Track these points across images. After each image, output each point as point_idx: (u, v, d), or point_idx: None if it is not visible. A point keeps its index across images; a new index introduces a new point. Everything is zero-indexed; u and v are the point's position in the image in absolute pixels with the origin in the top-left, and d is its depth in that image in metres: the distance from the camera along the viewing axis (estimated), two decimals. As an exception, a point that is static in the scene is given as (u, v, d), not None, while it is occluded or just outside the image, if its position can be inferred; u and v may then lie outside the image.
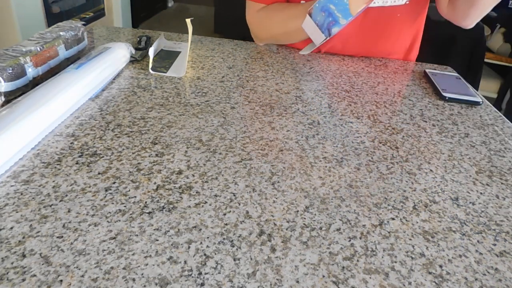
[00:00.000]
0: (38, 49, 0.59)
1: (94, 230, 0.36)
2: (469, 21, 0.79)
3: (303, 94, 0.68)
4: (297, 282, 0.33)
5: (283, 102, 0.64)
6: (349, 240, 0.38)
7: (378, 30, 0.85)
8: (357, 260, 0.36)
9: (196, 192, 0.42)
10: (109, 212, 0.39)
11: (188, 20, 0.71)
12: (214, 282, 0.33)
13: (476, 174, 0.51)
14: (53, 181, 0.42)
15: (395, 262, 0.36)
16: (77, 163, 0.45)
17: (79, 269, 0.33)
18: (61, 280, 0.31)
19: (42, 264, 0.33)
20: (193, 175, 0.45)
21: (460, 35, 1.85)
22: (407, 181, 0.48)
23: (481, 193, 0.47)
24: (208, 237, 0.37)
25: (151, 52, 0.73)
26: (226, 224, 0.39)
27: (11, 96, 0.54)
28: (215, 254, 0.35)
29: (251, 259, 0.35)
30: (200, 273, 0.33)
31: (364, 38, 0.86)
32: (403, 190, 0.46)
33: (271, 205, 0.42)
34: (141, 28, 3.53)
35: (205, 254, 0.35)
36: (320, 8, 0.67)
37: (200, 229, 0.38)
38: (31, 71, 0.57)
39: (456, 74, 0.82)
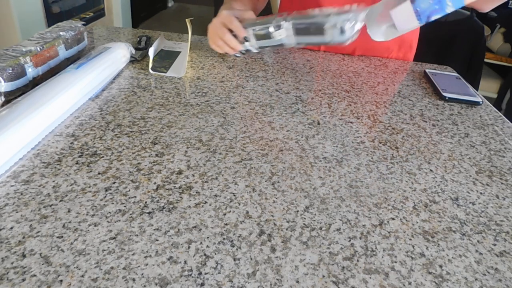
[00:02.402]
0: (38, 49, 0.59)
1: (94, 230, 0.36)
2: (490, 5, 0.78)
3: (303, 94, 0.68)
4: (297, 282, 0.33)
5: (283, 102, 0.64)
6: (349, 240, 0.38)
7: None
8: (357, 260, 0.36)
9: (196, 192, 0.42)
10: (109, 212, 0.39)
11: (188, 20, 0.71)
12: (214, 282, 0.33)
13: (476, 174, 0.51)
14: (53, 181, 0.42)
15: (395, 262, 0.36)
16: (77, 163, 0.45)
17: (79, 269, 0.33)
18: (61, 280, 0.31)
19: (42, 264, 0.33)
20: (193, 175, 0.45)
21: (460, 35, 1.85)
22: (407, 181, 0.48)
23: (481, 193, 0.47)
24: (208, 237, 0.37)
25: (151, 52, 0.73)
26: (226, 224, 0.39)
27: (11, 96, 0.54)
28: (215, 254, 0.35)
29: (251, 259, 0.35)
30: (200, 273, 0.33)
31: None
32: (403, 190, 0.46)
33: (271, 205, 0.42)
34: (141, 28, 3.53)
35: (205, 254, 0.35)
36: None
37: (200, 229, 0.38)
38: (31, 71, 0.57)
39: (456, 74, 0.82)
